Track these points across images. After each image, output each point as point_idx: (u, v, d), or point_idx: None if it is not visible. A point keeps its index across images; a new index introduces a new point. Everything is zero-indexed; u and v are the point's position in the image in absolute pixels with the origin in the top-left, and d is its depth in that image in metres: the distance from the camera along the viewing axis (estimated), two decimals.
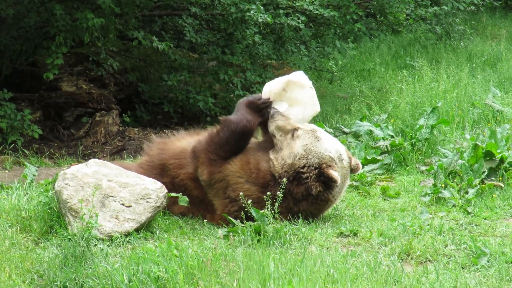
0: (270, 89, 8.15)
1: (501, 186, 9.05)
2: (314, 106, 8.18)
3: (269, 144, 8.09)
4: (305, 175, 7.75)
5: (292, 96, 8.14)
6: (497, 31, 24.07)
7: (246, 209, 7.45)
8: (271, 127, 7.98)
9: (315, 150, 7.77)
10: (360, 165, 8.13)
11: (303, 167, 7.75)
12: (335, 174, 7.70)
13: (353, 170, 8.04)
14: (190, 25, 15.80)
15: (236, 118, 7.90)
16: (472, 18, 24.65)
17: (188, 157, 8.16)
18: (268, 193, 7.49)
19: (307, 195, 7.77)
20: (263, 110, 8.00)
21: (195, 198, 8.05)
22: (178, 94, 15.69)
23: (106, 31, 14.03)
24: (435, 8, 18.22)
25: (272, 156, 7.92)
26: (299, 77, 8.20)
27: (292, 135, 7.87)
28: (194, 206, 8.06)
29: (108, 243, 7.13)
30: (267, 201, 7.37)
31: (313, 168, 7.74)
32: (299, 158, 7.77)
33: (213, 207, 7.98)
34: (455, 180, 9.18)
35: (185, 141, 8.45)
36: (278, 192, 7.57)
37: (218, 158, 7.85)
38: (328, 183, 7.73)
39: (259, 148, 8.11)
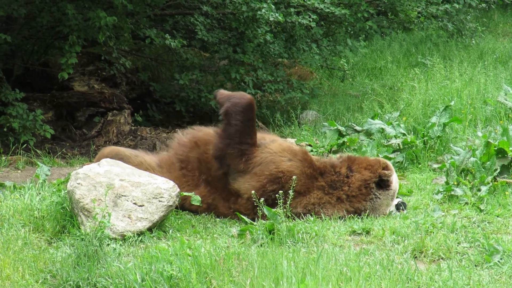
0: None
1: None
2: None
3: None
4: None
5: None
6: (509, 29, 23.98)
7: (285, 188, 7.63)
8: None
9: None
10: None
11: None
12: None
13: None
14: (202, 24, 15.79)
15: (234, 99, 8.00)
16: (484, 16, 24.56)
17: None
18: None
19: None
20: None
21: (219, 179, 8.10)
22: (189, 93, 15.67)
23: (119, 30, 14.03)
24: (447, 5, 18.15)
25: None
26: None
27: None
28: (216, 190, 8.09)
29: (120, 242, 7.15)
30: (280, 199, 7.37)
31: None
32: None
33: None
34: (467, 178, 9.16)
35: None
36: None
37: (247, 145, 7.88)
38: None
39: None
